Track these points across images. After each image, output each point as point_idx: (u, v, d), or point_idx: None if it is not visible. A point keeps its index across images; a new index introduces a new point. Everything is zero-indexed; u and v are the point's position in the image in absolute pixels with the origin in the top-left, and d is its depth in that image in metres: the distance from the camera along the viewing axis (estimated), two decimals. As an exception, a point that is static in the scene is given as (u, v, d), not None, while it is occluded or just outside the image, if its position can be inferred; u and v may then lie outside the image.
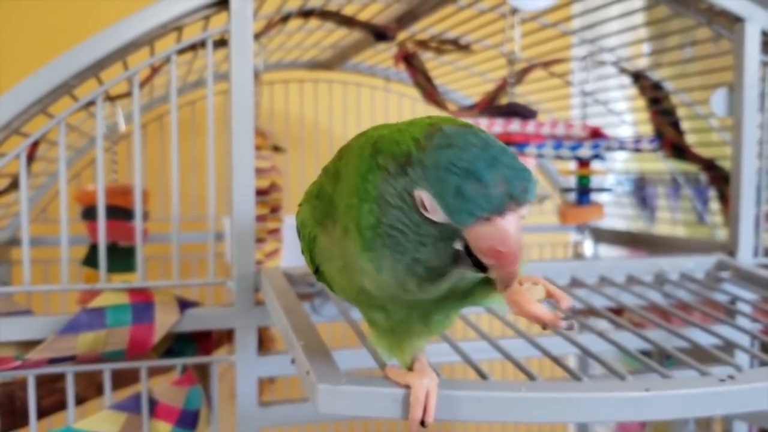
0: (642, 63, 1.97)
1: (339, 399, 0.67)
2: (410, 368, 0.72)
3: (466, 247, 0.57)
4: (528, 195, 0.56)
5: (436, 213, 0.56)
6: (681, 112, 1.77)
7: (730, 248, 1.35)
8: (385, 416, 0.68)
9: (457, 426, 2.57)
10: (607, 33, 1.70)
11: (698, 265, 1.29)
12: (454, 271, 0.60)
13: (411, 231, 0.58)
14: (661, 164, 2.03)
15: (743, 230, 1.34)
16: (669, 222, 2.04)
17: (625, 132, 2.07)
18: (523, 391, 0.68)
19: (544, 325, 0.63)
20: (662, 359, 1.40)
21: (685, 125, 1.76)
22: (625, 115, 2.04)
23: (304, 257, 0.75)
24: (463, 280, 0.67)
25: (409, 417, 0.67)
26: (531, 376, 0.78)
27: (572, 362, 2.24)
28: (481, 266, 0.57)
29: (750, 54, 1.31)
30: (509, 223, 0.55)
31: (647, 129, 1.82)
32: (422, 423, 0.66)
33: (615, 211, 2.25)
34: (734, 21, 1.32)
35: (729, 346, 0.99)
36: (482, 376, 0.78)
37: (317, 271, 0.75)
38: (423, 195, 0.56)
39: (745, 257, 1.34)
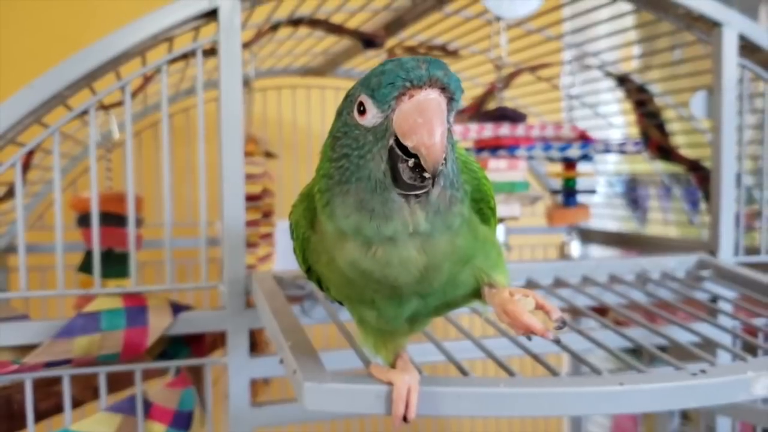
0: (632, 65, 2.00)
1: (324, 396, 0.70)
2: (393, 366, 0.75)
3: (398, 143, 0.60)
4: (450, 81, 0.60)
5: (369, 110, 0.61)
6: (670, 114, 1.81)
7: (711, 247, 1.38)
8: (369, 412, 0.71)
9: (451, 424, 2.59)
10: (597, 36, 1.73)
11: (680, 264, 1.32)
12: (403, 209, 0.61)
13: (352, 149, 0.62)
14: (652, 166, 2.06)
15: (723, 229, 1.37)
16: (661, 223, 2.07)
17: (615, 135, 2.10)
18: (502, 387, 0.71)
19: (530, 336, 0.66)
20: (652, 358, 1.43)
21: (674, 127, 1.79)
22: (615, 118, 2.07)
23: (296, 256, 0.78)
24: (454, 293, 0.71)
25: (392, 413, 0.69)
26: (510, 373, 0.80)
27: (566, 361, 2.27)
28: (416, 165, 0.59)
29: (727, 57, 1.34)
30: (429, 96, 0.59)
31: (636, 131, 1.85)
32: (405, 418, 0.69)
33: (607, 212, 2.27)
34: (712, 26, 1.35)
35: (710, 344, 1.02)
36: (463, 372, 0.80)
37: (309, 270, 0.77)
38: (360, 99, 0.61)
39: (726, 256, 1.37)
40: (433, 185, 0.61)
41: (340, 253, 0.67)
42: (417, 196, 0.61)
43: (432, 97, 0.59)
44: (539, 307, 0.68)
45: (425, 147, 0.57)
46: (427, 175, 0.59)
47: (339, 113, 0.66)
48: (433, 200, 0.62)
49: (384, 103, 0.60)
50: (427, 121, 0.58)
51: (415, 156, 0.59)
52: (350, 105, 0.63)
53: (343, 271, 0.68)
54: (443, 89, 0.59)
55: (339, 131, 0.65)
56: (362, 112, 0.61)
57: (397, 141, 0.60)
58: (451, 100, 0.60)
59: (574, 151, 1.48)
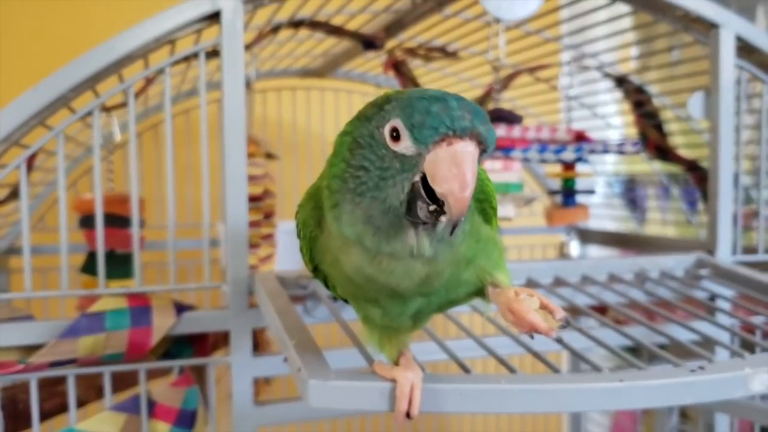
0: (630, 67, 2.01)
1: (329, 393, 0.71)
2: (397, 363, 0.76)
3: (423, 181, 0.61)
4: (489, 136, 0.61)
5: (403, 140, 0.61)
6: (668, 115, 1.82)
7: (709, 247, 1.39)
8: (373, 409, 0.72)
9: (452, 423, 2.60)
10: (595, 38, 1.74)
11: (678, 263, 1.33)
12: (409, 234, 0.63)
13: (375, 166, 0.62)
14: (651, 166, 2.07)
15: (721, 229, 1.38)
16: (659, 223, 2.08)
17: (613, 135, 2.11)
18: (503, 384, 0.72)
19: (533, 334, 0.67)
20: (651, 356, 1.43)
21: (673, 127, 1.81)
22: (613, 119, 2.08)
23: (302, 255, 0.79)
24: (456, 292, 0.73)
25: (395, 409, 0.70)
26: (511, 370, 0.81)
27: (565, 360, 2.28)
28: (435, 202, 0.60)
29: (725, 59, 1.36)
30: (467, 149, 0.59)
31: (634, 132, 1.87)
32: (408, 415, 0.70)
33: (605, 212, 2.29)
34: (709, 27, 1.36)
35: (708, 342, 1.03)
36: (465, 370, 0.81)
37: (315, 269, 0.79)
38: (395, 123, 0.61)
39: (724, 255, 1.38)
40: (451, 234, 0.62)
41: (345, 257, 0.68)
42: (424, 223, 0.62)
43: (469, 150, 0.59)
44: (543, 306, 0.70)
45: (454, 199, 0.59)
46: (443, 219, 0.60)
47: (367, 118, 0.65)
48: (439, 231, 0.63)
49: (422, 143, 0.60)
50: (461, 175, 0.58)
51: (437, 201, 0.60)
52: (381, 120, 0.63)
53: (347, 273, 0.70)
54: (480, 141, 0.60)
55: (363, 139, 0.64)
56: (395, 137, 0.61)
57: (423, 178, 0.60)
58: (483, 151, 0.61)
59: (568, 154, 1.49)
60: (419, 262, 0.65)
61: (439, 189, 0.59)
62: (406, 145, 0.61)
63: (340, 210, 0.66)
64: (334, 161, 0.67)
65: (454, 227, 0.61)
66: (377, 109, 0.64)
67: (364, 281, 0.69)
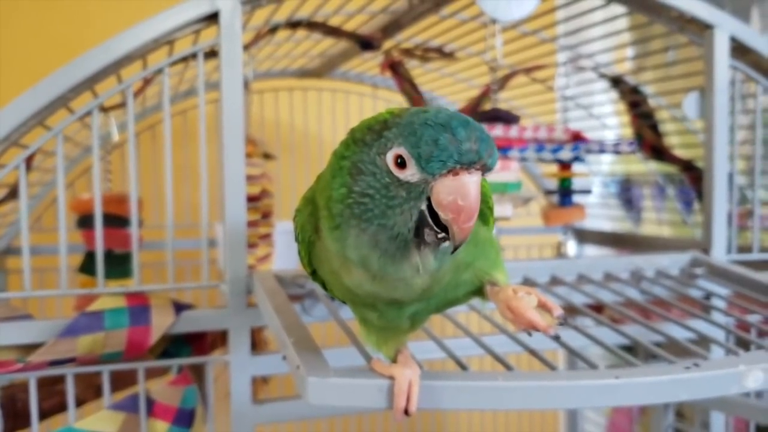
0: (626, 67, 2.02)
1: (328, 391, 0.71)
2: (394, 361, 0.76)
3: (429, 208, 0.62)
4: (492, 162, 0.62)
5: (409, 168, 0.61)
6: (664, 115, 1.83)
7: (705, 246, 1.40)
8: (372, 406, 0.72)
9: (449, 424, 2.61)
10: (591, 38, 1.75)
11: (673, 262, 1.34)
12: (414, 254, 0.64)
13: (380, 194, 0.63)
14: (646, 166, 2.08)
15: (716, 228, 1.39)
16: (655, 222, 2.09)
17: (609, 136, 2.12)
18: (500, 381, 0.72)
19: (531, 331, 0.69)
20: (647, 354, 1.44)
21: (668, 127, 1.82)
22: (609, 119, 2.09)
23: (300, 260, 0.79)
24: (454, 291, 0.74)
25: (393, 406, 0.71)
26: (508, 367, 0.82)
27: (561, 359, 2.29)
28: (439, 227, 0.62)
29: (719, 59, 1.37)
30: (473, 179, 0.61)
31: (630, 132, 1.87)
32: (406, 412, 0.71)
33: (602, 212, 2.29)
34: (704, 28, 1.37)
35: (704, 341, 1.04)
36: (463, 367, 0.82)
37: (314, 273, 0.79)
38: (399, 151, 0.61)
39: (719, 254, 1.39)
40: (453, 252, 0.63)
41: (345, 274, 0.69)
42: (427, 243, 0.64)
43: (475, 179, 0.61)
44: (541, 304, 0.71)
45: (458, 228, 0.60)
46: (447, 243, 0.62)
47: (366, 144, 0.64)
48: (442, 247, 0.64)
49: (430, 174, 0.60)
50: (467, 206, 0.60)
51: (444, 228, 0.61)
52: (383, 147, 0.62)
53: (346, 286, 0.71)
54: (484, 167, 0.62)
55: (365, 165, 0.63)
56: (401, 165, 0.61)
57: (428, 202, 0.62)
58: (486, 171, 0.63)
59: (565, 153, 1.50)
60: (421, 277, 0.66)
61: (444, 216, 0.61)
62: (411, 173, 0.61)
63: (342, 233, 0.66)
64: (333, 184, 0.66)
65: (456, 248, 0.62)
66: (376, 135, 0.63)
67: (364, 294, 0.70)
